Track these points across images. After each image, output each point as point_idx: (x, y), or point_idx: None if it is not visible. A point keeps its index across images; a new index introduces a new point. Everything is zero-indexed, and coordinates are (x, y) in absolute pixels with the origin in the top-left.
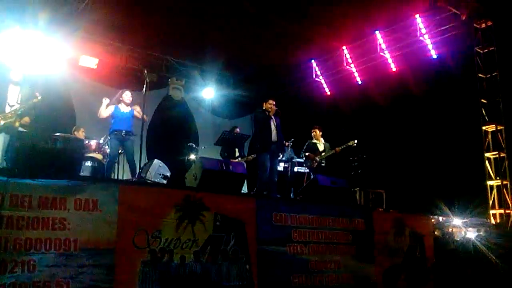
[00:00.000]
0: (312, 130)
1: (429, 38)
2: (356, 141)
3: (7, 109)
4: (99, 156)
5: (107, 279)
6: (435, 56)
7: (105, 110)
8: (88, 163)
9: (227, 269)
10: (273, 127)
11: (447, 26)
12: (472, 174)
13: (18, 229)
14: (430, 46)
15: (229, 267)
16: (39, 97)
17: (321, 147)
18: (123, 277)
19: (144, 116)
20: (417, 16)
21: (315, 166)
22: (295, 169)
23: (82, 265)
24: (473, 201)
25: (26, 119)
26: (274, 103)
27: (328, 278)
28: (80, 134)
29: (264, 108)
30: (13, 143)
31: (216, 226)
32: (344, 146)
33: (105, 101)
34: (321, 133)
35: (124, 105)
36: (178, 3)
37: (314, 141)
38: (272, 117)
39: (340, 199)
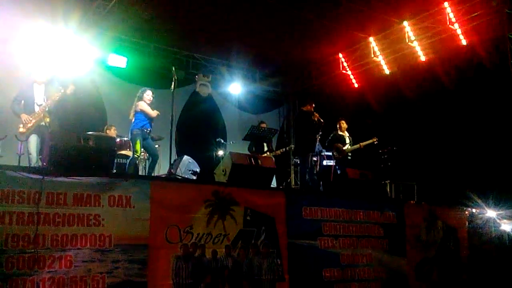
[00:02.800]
0: (339, 122)
1: (458, 27)
2: (376, 139)
3: (36, 109)
4: (130, 154)
5: (141, 273)
6: (465, 44)
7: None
8: (120, 161)
9: (258, 263)
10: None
11: (477, 13)
12: (506, 164)
13: (55, 225)
14: (460, 35)
15: (260, 261)
16: (62, 90)
17: (347, 139)
18: (156, 271)
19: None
20: (445, 4)
21: (341, 157)
22: (324, 162)
23: (117, 260)
24: (507, 192)
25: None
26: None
27: (360, 271)
28: (112, 132)
29: (306, 109)
30: (47, 143)
31: (246, 221)
32: (368, 142)
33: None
34: (346, 126)
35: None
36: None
37: (340, 133)
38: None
39: (370, 192)
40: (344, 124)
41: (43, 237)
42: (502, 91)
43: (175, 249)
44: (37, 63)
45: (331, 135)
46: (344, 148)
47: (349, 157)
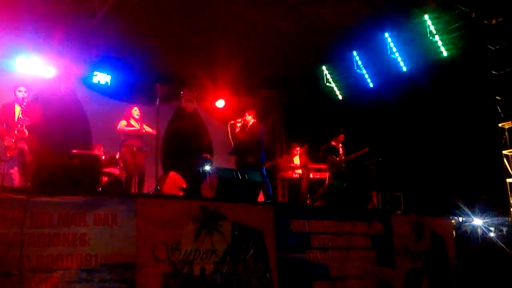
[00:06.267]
0: (340, 134)
1: (439, 37)
2: (368, 149)
3: (17, 129)
4: (115, 171)
5: None
6: (446, 55)
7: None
8: (106, 179)
9: (248, 279)
10: None
11: (457, 25)
12: (490, 172)
13: (40, 246)
14: (440, 45)
15: (250, 276)
16: None
17: (340, 150)
18: None
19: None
20: (425, 15)
21: (337, 170)
22: (310, 175)
23: (104, 280)
24: (493, 200)
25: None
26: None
27: (350, 284)
28: (98, 150)
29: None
30: (31, 162)
31: (234, 236)
32: (359, 154)
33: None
34: (343, 139)
35: (134, 121)
36: (186, 15)
37: (333, 143)
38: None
39: (357, 204)
40: (342, 137)
41: (28, 258)
42: (484, 100)
43: (163, 267)
44: (18, 81)
45: (326, 146)
46: (340, 160)
47: (344, 169)
